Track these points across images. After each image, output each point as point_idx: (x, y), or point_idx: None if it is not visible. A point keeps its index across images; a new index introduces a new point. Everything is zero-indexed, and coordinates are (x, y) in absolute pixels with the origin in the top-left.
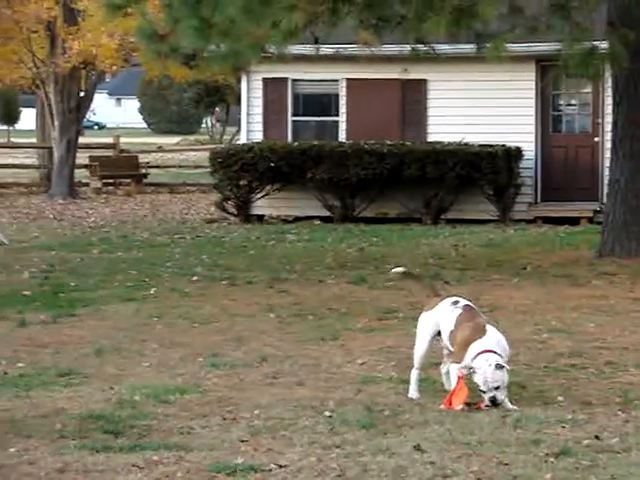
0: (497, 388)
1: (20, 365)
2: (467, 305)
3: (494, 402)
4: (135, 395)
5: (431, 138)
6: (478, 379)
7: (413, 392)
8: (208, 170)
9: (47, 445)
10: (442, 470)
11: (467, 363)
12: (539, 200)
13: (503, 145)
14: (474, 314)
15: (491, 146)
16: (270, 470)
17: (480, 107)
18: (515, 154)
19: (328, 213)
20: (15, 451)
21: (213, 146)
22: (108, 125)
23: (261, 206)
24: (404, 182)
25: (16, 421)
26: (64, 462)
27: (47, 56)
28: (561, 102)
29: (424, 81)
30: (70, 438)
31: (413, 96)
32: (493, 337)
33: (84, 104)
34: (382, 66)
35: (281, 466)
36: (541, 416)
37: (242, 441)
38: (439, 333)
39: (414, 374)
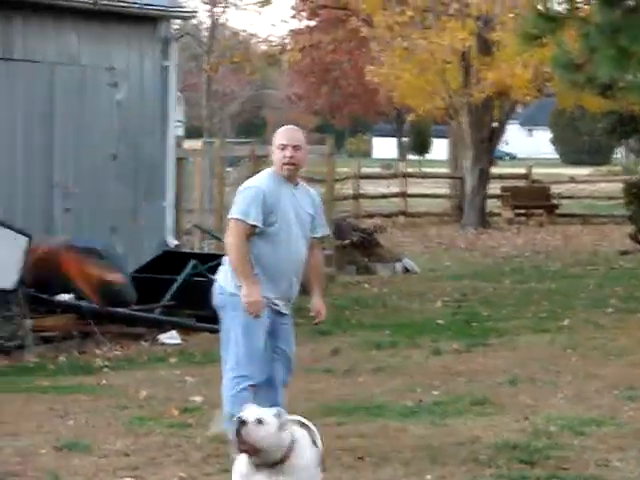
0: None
1: (435, 393)
2: None
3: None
4: (550, 426)
5: None
6: None
7: None
8: (622, 201)
9: (463, 473)
10: None
11: None
12: None
13: None
14: None
15: None
16: None
17: None
18: None
19: None
20: (431, 478)
21: (627, 177)
22: (519, 156)
23: None
24: None
25: (433, 448)
26: None
27: (461, 86)
28: None
29: None
30: (486, 466)
31: None
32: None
33: (497, 134)
34: None
35: None
36: None
37: None
38: None
39: None
